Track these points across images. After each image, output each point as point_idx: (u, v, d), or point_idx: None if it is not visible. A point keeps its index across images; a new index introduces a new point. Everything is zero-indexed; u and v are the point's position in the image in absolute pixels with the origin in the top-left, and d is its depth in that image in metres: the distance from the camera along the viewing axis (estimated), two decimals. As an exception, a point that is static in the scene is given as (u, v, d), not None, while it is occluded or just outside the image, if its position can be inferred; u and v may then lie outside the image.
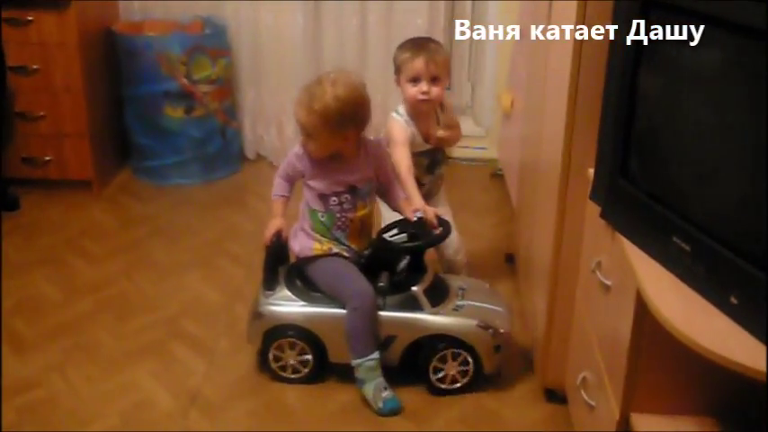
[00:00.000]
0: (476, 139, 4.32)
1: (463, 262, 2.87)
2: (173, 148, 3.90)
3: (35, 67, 3.60)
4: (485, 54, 4.18)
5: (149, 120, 3.86)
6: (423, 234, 2.46)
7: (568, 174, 2.14)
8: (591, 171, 2.04)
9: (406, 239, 2.46)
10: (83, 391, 2.49)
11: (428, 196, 2.75)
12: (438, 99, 2.65)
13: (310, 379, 2.52)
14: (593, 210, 2.01)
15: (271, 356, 2.50)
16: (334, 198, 2.44)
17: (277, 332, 2.48)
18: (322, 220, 2.47)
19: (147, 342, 2.72)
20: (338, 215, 2.46)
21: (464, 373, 2.46)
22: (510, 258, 3.19)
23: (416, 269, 2.48)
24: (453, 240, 2.79)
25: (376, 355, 2.39)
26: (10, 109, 3.65)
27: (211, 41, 3.87)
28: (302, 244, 2.52)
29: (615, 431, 1.75)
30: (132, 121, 3.93)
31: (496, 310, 2.51)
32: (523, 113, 3.13)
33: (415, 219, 2.46)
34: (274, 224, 2.48)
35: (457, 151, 4.30)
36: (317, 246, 2.49)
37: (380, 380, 2.39)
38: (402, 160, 2.61)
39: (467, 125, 4.36)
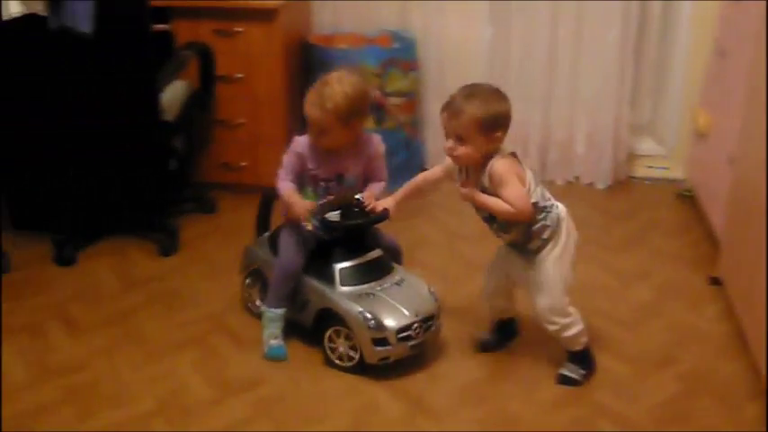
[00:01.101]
0: (658, 158, 4.26)
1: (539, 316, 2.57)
2: (359, 158, 3.97)
3: (239, 75, 3.75)
4: (671, 69, 4.11)
5: (338, 129, 3.94)
6: (355, 216, 2.66)
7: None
8: None
9: (339, 219, 2.66)
10: (312, 389, 2.58)
11: (515, 246, 2.54)
12: (465, 161, 2.44)
13: None
14: None
15: (247, 283, 2.99)
16: (323, 183, 2.72)
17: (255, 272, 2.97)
18: (310, 196, 2.73)
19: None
20: (323, 197, 2.72)
21: (351, 358, 2.61)
22: (715, 281, 3.12)
23: (355, 248, 2.70)
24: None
25: (279, 311, 2.73)
26: (212, 115, 3.81)
27: (403, 55, 3.94)
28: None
29: None
30: (320, 131, 4.02)
31: (399, 310, 2.58)
32: (733, 132, 3.06)
33: (355, 201, 2.69)
34: (304, 204, 2.66)
35: (639, 170, 4.24)
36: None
37: (275, 330, 2.73)
38: (430, 170, 2.80)
39: (647, 144, 4.31)
